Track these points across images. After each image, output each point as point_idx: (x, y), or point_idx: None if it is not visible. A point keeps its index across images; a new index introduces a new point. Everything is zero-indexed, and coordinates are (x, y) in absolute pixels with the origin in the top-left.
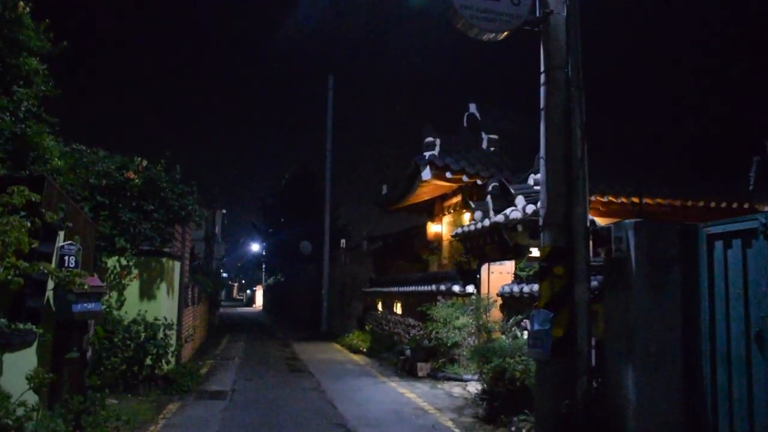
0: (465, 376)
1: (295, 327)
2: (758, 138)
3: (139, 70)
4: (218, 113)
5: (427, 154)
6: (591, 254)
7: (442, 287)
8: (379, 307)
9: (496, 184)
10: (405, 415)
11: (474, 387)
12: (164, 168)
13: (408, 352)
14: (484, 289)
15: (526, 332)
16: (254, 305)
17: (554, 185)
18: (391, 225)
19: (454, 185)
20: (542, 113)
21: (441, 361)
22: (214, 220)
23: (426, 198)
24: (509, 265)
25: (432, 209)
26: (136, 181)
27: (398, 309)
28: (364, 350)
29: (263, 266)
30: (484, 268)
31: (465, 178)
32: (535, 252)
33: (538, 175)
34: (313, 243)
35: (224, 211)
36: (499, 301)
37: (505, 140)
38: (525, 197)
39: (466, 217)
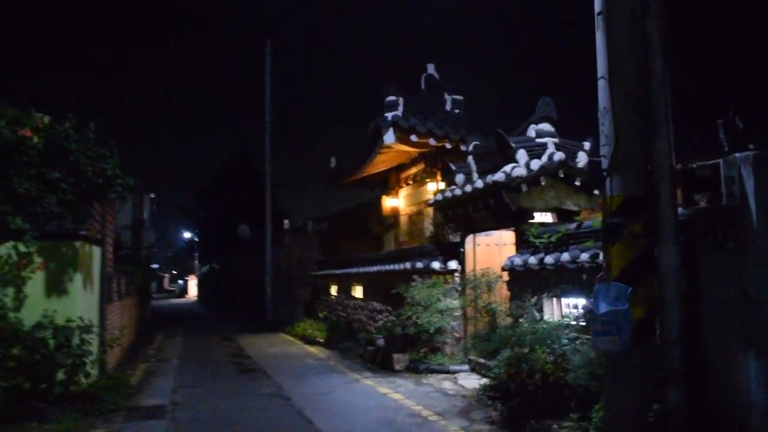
0: (452, 367)
1: (236, 318)
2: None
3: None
4: (146, 87)
5: (389, 114)
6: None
7: (419, 264)
8: (333, 291)
9: (478, 142)
10: (402, 426)
11: (466, 380)
12: (73, 126)
13: (380, 341)
14: (469, 265)
15: (548, 314)
16: (187, 296)
17: (625, 112)
18: (339, 204)
19: (417, 151)
20: (599, 18)
21: (422, 351)
22: (142, 205)
23: (382, 169)
24: (499, 236)
25: (387, 182)
26: (36, 141)
27: (358, 293)
28: (321, 341)
29: (196, 254)
30: (469, 240)
31: (432, 142)
32: (540, 217)
33: (540, 126)
34: (253, 227)
35: (153, 195)
36: (505, 276)
37: (470, 102)
38: (528, 152)
39: (431, 186)
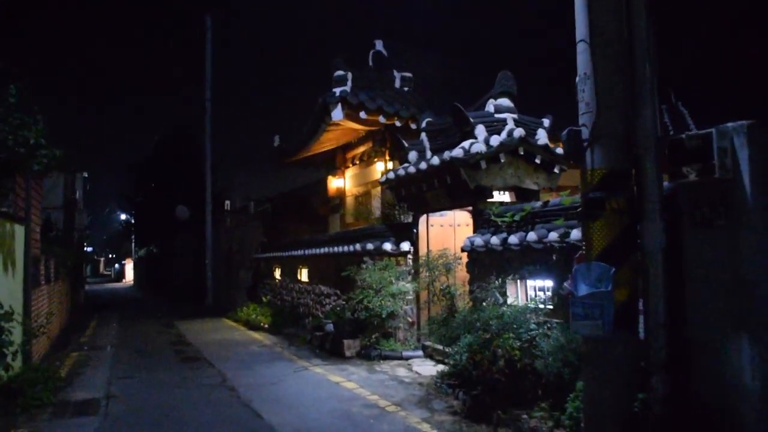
0: (405, 353)
1: (175, 302)
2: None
3: None
4: (78, 58)
5: (337, 90)
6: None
7: (369, 246)
8: (277, 275)
9: (431, 119)
10: (359, 419)
11: (422, 367)
12: None
13: (329, 327)
14: (422, 247)
15: (512, 297)
16: (124, 280)
17: (608, 78)
18: (283, 185)
19: (365, 129)
20: None
21: (374, 337)
22: (74, 184)
23: (328, 147)
24: (453, 216)
25: (333, 162)
26: None
27: (303, 276)
28: (266, 326)
29: (133, 237)
30: (422, 220)
31: (382, 119)
32: (498, 197)
33: (500, 101)
34: (192, 208)
35: (86, 174)
36: (464, 258)
37: (419, 80)
38: (487, 127)
39: (379, 166)
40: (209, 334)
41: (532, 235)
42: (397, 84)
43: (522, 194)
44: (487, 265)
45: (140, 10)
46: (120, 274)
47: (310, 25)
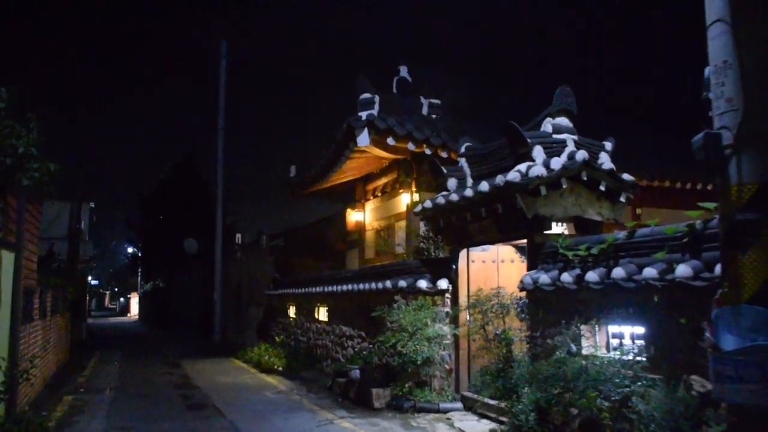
0: (443, 405)
1: (181, 340)
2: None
3: None
4: (90, 85)
5: (364, 113)
6: None
7: (402, 283)
8: (291, 313)
9: (469, 144)
10: None
11: (464, 422)
12: None
13: (355, 373)
14: (462, 285)
15: (590, 346)
16: (129, 314)
17: (759, 66)
18: (296, 218)
19: (390, 158)
20: None
21: (407, 386)
22: (80, 214)
23: (347, 179)
24: (496, 251)
25: (352, 194)
26: None
27: (322, 315)
28: (280, 369)
29: (139, 270)
30: (462, 255)
31: (411, 146)
32: (556, 228)
33: (558, 120)
34: (201, 241)
35: (92, 204)
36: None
37: (447, 106)
38: (545, 149)
39: (404, 198)
40: (218, 377)
41: (618, 272)
42: (425, 111)
43: (583, 226)
44: (555, 306)
45: (153, 34)
46: (125, 309)
47: (329, 51)
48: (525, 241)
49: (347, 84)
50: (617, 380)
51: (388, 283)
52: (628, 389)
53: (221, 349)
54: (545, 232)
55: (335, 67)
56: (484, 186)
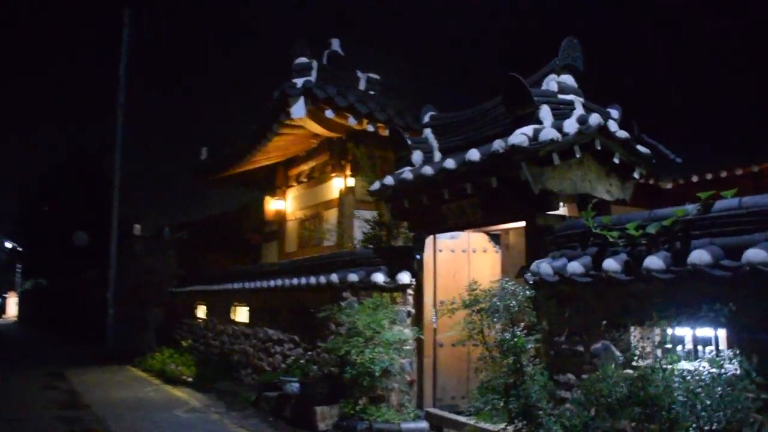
0: (404, 425)
1: (68, 344)
2: None
3: None
4: None
5: (299, 80)
6: None
7: (352, 277)
8: (200, 313)
9: (434, 113)
10: None
11: None
12: None
13: (292, 387)
14: (427, 279)
15: (640, 355)
16: (5, 316)
17: None
18: (208, 209)
19: (323, 136)
20: None
21: (361, 403)
22: None
23: (269, 162)
24: (466, 239)
25: (272, 180)
26: None
27: (240, 316)
28: (189, 379)
29: (17, 267)
30: (428, 243)
31: (352, 121)
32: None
33: (564, 77)
34: (94, 235)
35: None
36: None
37: (387, 85)
38: (552, 110)
39: (336, 184)
40: (113, 391)
41: (700, 256)
42: (362, 86)
43: (587, 206)
44: (590, 303)
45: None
46: (1, 308)
47: (248, 28)
48: (502, 227)
49: (267, 66)
50: (734, 404)
51: (334, 278)
52: (738, 415)
53: (116, 355)
54: (549, 213)
55: (254, 47)
56: (473, 155)
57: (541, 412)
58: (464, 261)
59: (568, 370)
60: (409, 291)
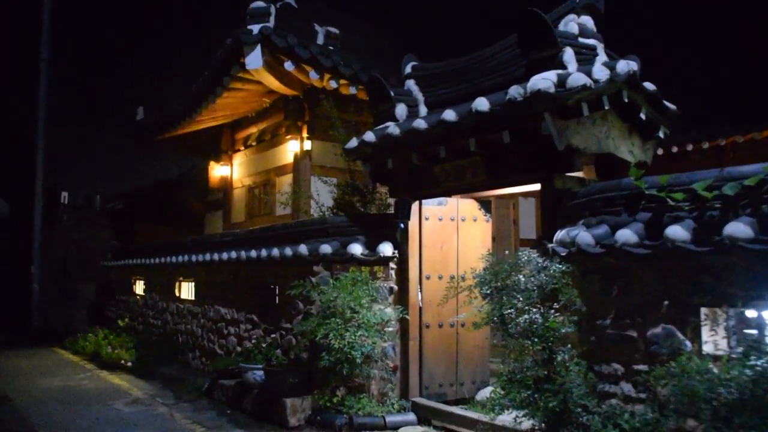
0: (390, 418)
1: None
2: None
3: None
4: None
5: (255, 27)
6: None
7: (325, 249)
8: (139, 289)
9: (416, 63)
10: None
11: None
12: None
13: (254, 375)
14: (412, 251)
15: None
16: None
17: None
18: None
19: (279, 93)
20: None
21: (338, 393)
22: None
23: (214, 123)
24: (455, 205)
25: (217, 144)
26: None
27: (186, 292)
28: (128, 364)
29: None
30: (414, 209)
31: (314, 76)
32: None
33: (584, 19)
34: (16, 203)
35: None
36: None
37: (347, 41)
38: (575, 54)
39: (291, 147)
40: (40, 379)
41: None
42: (320, 40)
43: (607, 168)
44: (646, 280)
45: None
46: None
47: None
48: (508, 190)
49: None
50: None
51: (303, 249)
52: None
53: (42, 336)
54: (568, 174)
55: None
56: (482, 104)
57: (580, 409)
58: (452, 231)
59: (614, 360)
60: (392, 264)
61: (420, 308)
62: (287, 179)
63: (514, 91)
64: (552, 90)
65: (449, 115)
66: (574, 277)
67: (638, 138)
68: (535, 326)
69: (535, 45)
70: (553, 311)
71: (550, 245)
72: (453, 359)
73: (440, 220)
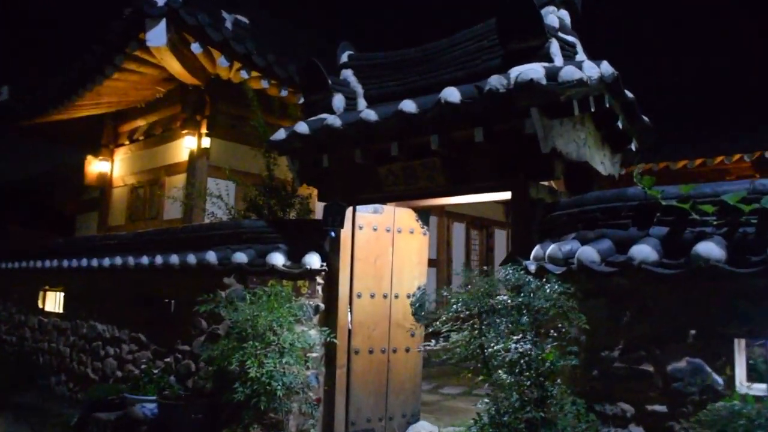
0: None
1: None
2: None
3: None
4: None
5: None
6: None
7: (240, 258)
8: None
9: (351, 52)
10: None
11: None
12: None
13: (143, 410)
14: (343, 263)
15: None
16: None
17: None
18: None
19: (177, 82)
20: None
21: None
22: None
23: (100, 109)
24: (392, 214)
25: (97, 137)
26: None
27: (52, 304)
28: None
29: None
30: (347, 216)
31: (223, 63)
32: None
33: (563, 13)
34: None
35: None
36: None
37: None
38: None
39: (187, 143)
40: None
41: None
42: (229, 26)
43: (578, 178)
44: (665, 305)
45: None
46: None
47: None
48: (450, 200)
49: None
50: None
51: (211, 257)
52: None
53: None
54: (542, 183)
55: None
56: (452, 95)
57: None
58: (388, 243)
59: (622, 398)
60: (319, 279)
61: (349, 331)
62: (179, 179)
63: (496, 81)
64: (544, 81)
65: (408, 106)
66: (578, 301)
67: (609, 149)
68: (526, 358)
69: (519, 33)
70: (551, 340)
71: (529, 262)
72: (383, 390)
73: (375, 230)
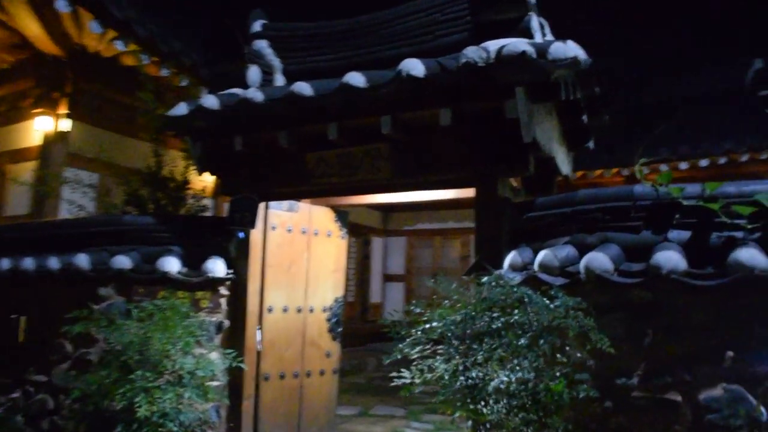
0: None
1: None
2: None
3: None
4: None
5: None
6: None
7: (122, 262)
8: None
9: (266, 21)
10: None
11: None
12: None
13: None
14: (253, 270)
15: None
16: None
17: None
18: None
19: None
20: None
21: None
22: None
23: None
24: (308, 213)
25: None
26: None
27: None
28: None
29: None
30: (260, 214)
31: (95, 29)
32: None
33: None
34: None
35: None
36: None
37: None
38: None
39: (40, 125)
40: None
41: None
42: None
43: (535, 176)
44: (697, 322)
45: None
46: None
47: None
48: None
49: None
50: None
51: (82, 261)
52: None
53: None
54: (509, 178)
55: None
56: (416, 68)
57: None
58: (303, 247)
59: (646, 427)
60: (222, 290)
61: (258, 353)
62: (29, 167)
63: (474, 53)
64: (533, 54)
65: (356, 79)
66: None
67: (566, 146)
68: (527, 390)
69: (495, 3)
70: (555, 366)
71: (506, 272)
72: (295, 422)
73: (290, 231)
